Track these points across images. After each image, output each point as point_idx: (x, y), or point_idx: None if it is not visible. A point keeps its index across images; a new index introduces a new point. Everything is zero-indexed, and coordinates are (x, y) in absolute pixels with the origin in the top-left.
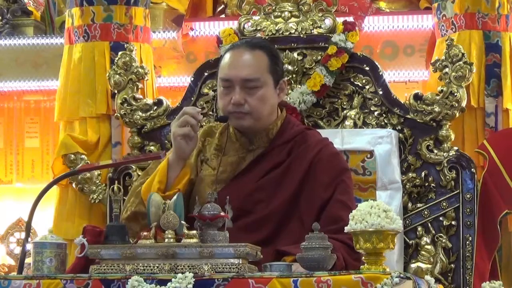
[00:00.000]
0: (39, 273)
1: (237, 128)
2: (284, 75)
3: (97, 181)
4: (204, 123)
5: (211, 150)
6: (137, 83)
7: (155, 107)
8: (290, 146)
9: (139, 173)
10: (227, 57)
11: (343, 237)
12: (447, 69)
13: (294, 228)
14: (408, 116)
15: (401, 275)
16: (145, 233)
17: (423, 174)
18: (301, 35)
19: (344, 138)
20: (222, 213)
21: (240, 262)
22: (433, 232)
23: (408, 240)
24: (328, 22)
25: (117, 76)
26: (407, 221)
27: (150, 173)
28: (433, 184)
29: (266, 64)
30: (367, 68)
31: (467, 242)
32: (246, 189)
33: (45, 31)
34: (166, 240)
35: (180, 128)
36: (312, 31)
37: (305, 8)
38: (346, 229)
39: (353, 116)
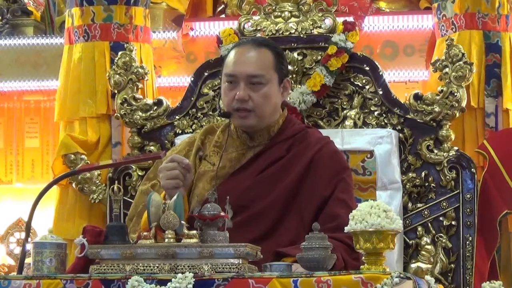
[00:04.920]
0: (39, 273)
1: (239, 127)
2: (288, 75)
3: (97, 181)
4: (204, 123)
5: (211, 147)
6: (137, 83)
7: (155, 107)
8: (290, 142)
9: (139, 173)
10: (232, 54)
11: (342, 236)
12: (447, 69)
13: (293, 224)
14: (408, 116)
15: (401, 275)
16: (145, 233)
17: (423, 174)
18: (301, 35)
19: (344, 138)
20: (222, 213)
21: (240, 262)
22: (433, 232)
23: (408, 240)
24: (328, 22)
25: (117, 76)
26: (407, 221)
27: (151, 177)
28: (433, 184)
29: (271, 61)
30: (367, 68)
31: (467, 242)
32: (244, 185)
33: (45, 31)
34: (166, 240)
35: (167, 181)
36: (312, 31)
37: (305, 8)
38: (346, 229)
39: (353, 116)
